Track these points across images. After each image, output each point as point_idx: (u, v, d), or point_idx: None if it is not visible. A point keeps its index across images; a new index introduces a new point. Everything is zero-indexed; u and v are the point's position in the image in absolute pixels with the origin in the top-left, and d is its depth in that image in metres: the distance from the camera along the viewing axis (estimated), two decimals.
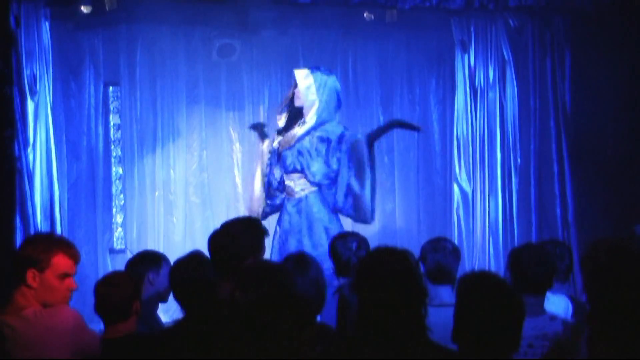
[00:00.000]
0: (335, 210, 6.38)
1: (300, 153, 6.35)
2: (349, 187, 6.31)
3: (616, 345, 2.15)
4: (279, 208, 6.56)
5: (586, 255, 3.72)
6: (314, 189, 6.34)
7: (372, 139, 6.38)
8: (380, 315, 2.58)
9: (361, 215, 6.34)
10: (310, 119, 6.32)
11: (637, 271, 2.78)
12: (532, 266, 3.64)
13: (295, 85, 6.38)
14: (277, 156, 6.53)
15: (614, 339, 2.15)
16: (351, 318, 3.36)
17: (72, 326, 3.03)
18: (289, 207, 6.41)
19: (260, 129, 6.80)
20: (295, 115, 6.45)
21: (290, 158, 6.37)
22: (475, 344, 2.55)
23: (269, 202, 6.59)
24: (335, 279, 4.73)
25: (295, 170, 6.37)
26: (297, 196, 6.37)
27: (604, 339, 2.16)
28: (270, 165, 6.57)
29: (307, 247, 5.94)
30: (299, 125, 6.40)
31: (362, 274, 2.68)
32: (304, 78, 6.31)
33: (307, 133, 6.34)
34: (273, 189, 6.56)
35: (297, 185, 6.38)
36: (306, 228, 6.31)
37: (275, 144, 6.51)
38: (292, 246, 6.18)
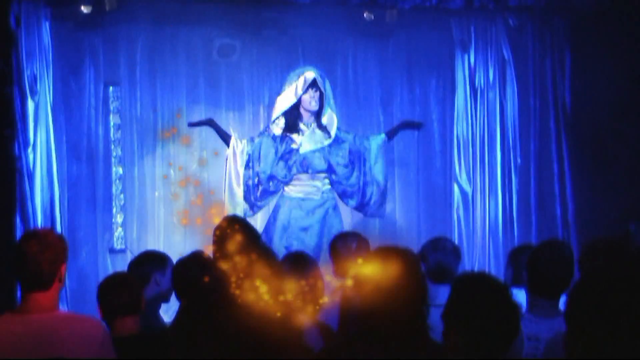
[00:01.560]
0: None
1: (329, 152, 6.84)
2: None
3: (599, 345, 2.12)
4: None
5: (582, 254, 3.70)
6: (329, 187, 6.87)
7: (389, 138, 7.15)
8: (382, 314, 2.58)
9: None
10: (332, 119, 6.85)
11: (633, 270, 2.77)
12: (550, 268, 3.49)
13: (314, 88, 6.72)
14: (287, 155, 6.67)
15: (602, 340, 2.12)
16: (353, 317, 3.37)
17: (101, 339, 2.98)
18: (312, 206, 6.76)
19: (216, 126, 6.98)
20: (293, 118, 6.82)
21: (318, 159, 6.79)
22: (464, 344, 2.53)
23: (259, 203, 6.79)
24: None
25: (322, 171, 6.80)
26: (318, 196, 6.80)
27: (589, 339, 2.13)
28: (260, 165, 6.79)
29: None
30: (317, 128, 6.84)
31: (365, 272, 2.68)
32: (321, 79, 6.78)
33: (337, 136, 6.91)
34: (267, 190, 6.77)
35: (324, 185, 6.84)
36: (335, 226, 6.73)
37: (297, 144, 6.80)
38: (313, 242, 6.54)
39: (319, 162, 6.81)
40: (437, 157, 7.88)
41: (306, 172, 6.79)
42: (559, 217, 7.57)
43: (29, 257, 2.94)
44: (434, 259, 4.24)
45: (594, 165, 7.47)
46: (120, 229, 7.32)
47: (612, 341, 2.07)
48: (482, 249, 7.54)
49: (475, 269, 7.12)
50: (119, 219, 7.32)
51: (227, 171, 6.87)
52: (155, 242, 7.19)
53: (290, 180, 6.79)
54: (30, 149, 6.54)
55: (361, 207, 6.97)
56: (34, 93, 6.56)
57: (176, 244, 7.09)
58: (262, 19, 7.41)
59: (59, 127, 6.98)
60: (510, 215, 7.58)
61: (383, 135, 7.13)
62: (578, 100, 7.57)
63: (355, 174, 6.91)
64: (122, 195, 7.33)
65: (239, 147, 6.85)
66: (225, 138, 6.92)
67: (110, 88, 7.34)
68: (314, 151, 6.82)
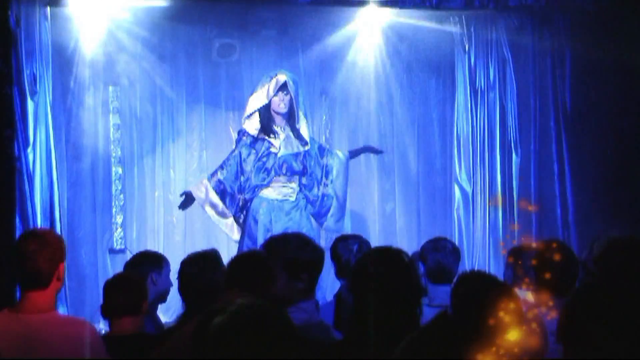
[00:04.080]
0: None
1: (305, 157, 6.87)
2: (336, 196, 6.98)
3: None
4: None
5: (600, 252, 3.66)
6: (299, 189, 6.90)
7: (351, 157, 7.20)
8: (374, 314, 2.58)
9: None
10: (304, 123, 6.83)
11: None
12: (558, 267, 3.54)
13: (284, 91, 6.67)
14: (265, 158, 6.68)
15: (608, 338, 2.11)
16: (347, 318, 3.37)
17: (89, 339, 2.99)
18: (288, 207, 6.73)
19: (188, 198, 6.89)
20: (265, 120, 6.79)
21: (295, 162, 6.80)
22: (475, 344, 2.53)
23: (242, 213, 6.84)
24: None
25: (297, 173, 6.83)
26: (294, 197, 6.81)
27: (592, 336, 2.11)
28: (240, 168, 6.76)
29: None
30: (291, 133, 6.82)
31: (358, 273, 2.69)
32: (292, 83, 6.72)
33: (312, 139, 6.94)
34: (248, 199, 6.75)
35: (298, 186, 6.86)
36: (306, 227, 6.67)
37: (276, 149, 6.76)
38: None
39: (296, 165, 6.84)
40: (437, 157, 7.88)
41: (285, 174, 6.81)
42: (559, 217, 7.55)
43: (27, 256, 2.94)
44: (433, 259, 4.22)
45: (594, 165, 7.46)
46: (120, 229, 7.31)
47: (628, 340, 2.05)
48: (482, 248, 7.54)
49: (475, 268, 7.12)
50: (118, 219, 7.32)
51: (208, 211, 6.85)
52: (155, 243, 7.19)
53: (269, 183, 6.79)
54: (30, 149, 6.53)
55: (318, 216, 6.99)
56: (33, 93, 6.55)
57: (176, 244, 7.09)
58: (262, 19, 7.40)
59: (59, 127, 6.98)
60: (510, 216, 7.58)
61: (347, 153, 7.20)
62: (578, 100, 7.56)
63: (315, 182, 6.93)
64: (121, 196, 7.33)
65: (204, 192, 6.81)
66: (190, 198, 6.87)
67: (110, 88, 7.34)
68: (291, 155, 6.83)
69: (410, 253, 2.93)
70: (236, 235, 6.88)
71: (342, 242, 4.78)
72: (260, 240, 6.59)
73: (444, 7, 7.22)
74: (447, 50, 7.74)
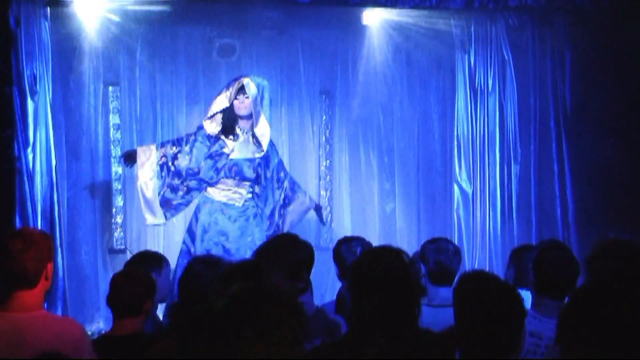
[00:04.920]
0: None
1: (259, 164, 6.58)
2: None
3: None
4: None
5: (593, 254, 3.66)
6: (250, 197, 6.62)
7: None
8: (372, 314, 2.58)
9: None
10: (266, 130, 6.49)
11: None
12: (557, 268, 3.52)
13: (244, 94, 6.44)
14: (217, 157, 6.53)
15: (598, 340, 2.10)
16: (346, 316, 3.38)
17: (78, 337, 3.00)
18: (234, 213, 6.52)
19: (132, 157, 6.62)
20: (229, 121, 6.55)
21: (247, 167, 6.53)
22: (477, 344, 2.54)
23: (178, 201, 6.61)
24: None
25: (248, 180, 6.56)
26: (240, 203, 6.56)
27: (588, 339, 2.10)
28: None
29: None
30: (251, 137, 6.55)
31: (356, 273, 2.69)
32: (254, 87, 6.47)
33: (271, 145, 6.67)
34: (192, 188, 6.58)
35: (247, 193, 6.59)
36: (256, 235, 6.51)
37: (229, 149, 6.54)
38: (242, 251, 6.30)
39: (248, 171, 6.53)
40: (437, 157, 7.88)
41: (233, 178, 6.53)
42: (559, 217, 7.56)
43: (12, 256, 2.94)
44: (435, 261, 4.21)
45: (594, 165, 7.47)
46: (120, 229, 7.31)
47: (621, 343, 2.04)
48: (482, 249, 7.54)
49: (476, 268, 7.12)
50: (118, 219, 7.32)
51: (140, 182, 6.54)
52: (155, 243, 7.19)
53: (217, 183, 6.54)
54: (30, 149, 6.54)
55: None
56: (33, 93, 6.56)
57: (176, 244, 7.08)
58: (262, 19, 7.40)
59: (59, 127, 6.98)
60: (510, 215, 7.58)
61: (313, 204, 6.96)
62: (578, 100, 7.56)
63: (266, 201, 6.72)
64: (121, 196, 7.33)
65: (148, 158, 6.60)
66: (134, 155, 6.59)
67: (110, 88, 7.35)
68: (244, 159, 6.55)
69: (410, 253, 2.93)
70: (151, 219, 6.60)
71: (345, 244, 4.79)
72: (198, 240, 6.51)
73: (444, 7, 7.23)
74: (447, 50, 7.74)
